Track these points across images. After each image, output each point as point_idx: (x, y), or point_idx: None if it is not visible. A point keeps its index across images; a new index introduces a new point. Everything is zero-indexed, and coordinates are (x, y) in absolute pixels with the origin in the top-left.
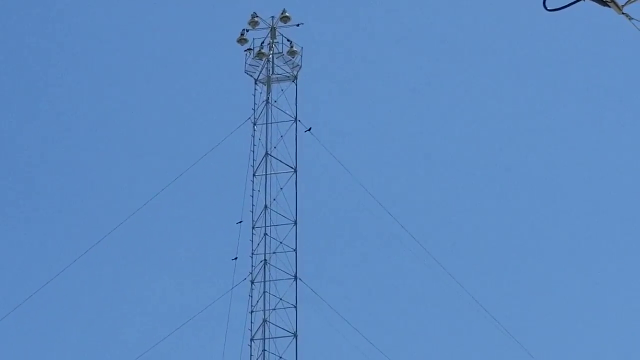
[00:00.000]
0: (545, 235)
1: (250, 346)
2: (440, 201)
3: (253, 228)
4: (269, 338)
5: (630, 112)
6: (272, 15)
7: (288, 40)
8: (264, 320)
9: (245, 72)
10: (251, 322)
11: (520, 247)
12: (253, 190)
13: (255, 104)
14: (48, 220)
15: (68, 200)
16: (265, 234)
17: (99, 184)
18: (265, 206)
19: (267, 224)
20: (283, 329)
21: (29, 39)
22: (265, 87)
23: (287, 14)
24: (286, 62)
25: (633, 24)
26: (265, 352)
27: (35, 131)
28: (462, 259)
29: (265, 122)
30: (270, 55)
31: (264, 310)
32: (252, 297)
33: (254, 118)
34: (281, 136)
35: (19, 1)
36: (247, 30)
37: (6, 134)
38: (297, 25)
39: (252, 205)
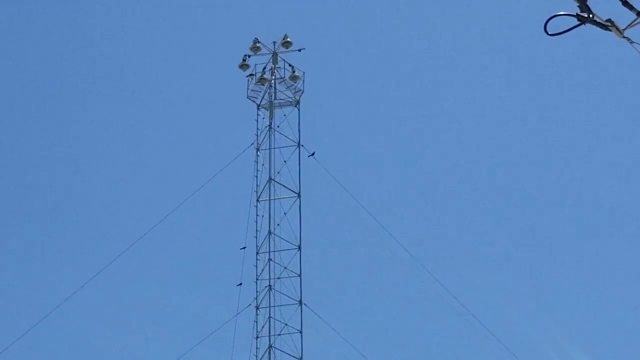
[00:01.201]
0: (549, 251)
1: None
2: (446, 225)
3: (257, 254)
4: None
5: (632, 134)
6: (274, 40)
7: (290, 65)
8: (270, 346)
9: (248, 97)
10: (257, 348)
11: (528, 271)
12: (257, 215)
13: (258, 129)
14: (55, 249)
15: (70, 225)
16: (270, 259)
17: (100, 211)
18: (269, 231)
19: (271, 249)
20: (289, 354)
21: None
22: (267, 113)
23: (288, 39)
24: (288, 87)
25: (634, 47)
26: None
27: (45, 157)
28: (469, 283)
29: (268, 147)
30: (273, 81)
31: (270, 336)
32: (257, 322)
33: (257, 143)
34: (284, 161)
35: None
36: (249, 56)
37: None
38: (299, 50)
39: (256, 230)
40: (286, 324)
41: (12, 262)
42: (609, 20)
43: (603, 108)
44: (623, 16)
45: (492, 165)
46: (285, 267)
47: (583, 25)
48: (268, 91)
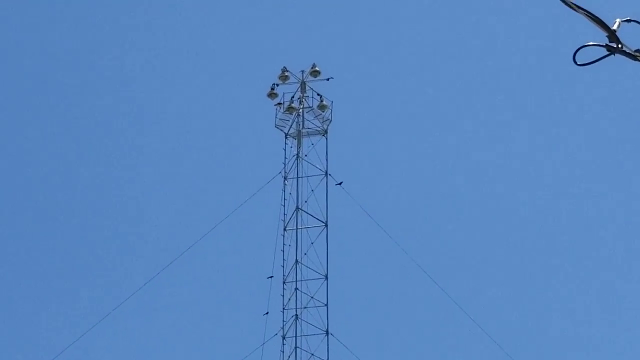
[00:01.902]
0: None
1: None
2: (474, 256)
3: (284, 283)
4: None
5: None
6: (302, 69)
7: (318, 94)
8: None
9: (276, 126)
10: None
11: (553, 300)
12: (284, 244)
13: (285, 158)
14: (85, 275)
15: (99, 252)
16: (296, 288)
17: (127, 239)
18: (296, 261)
19: (298, 278)
20: None
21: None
22: (295, 142)
23: (317, 68)
24: (316, 117)
25: None
26: None
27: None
28: (498, 316)
29: (295, 176)
30: (301, 110)
31: None
32: (283, 352)
33: (285, 172)
34: (312, 190)
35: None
36: (277, 85)
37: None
38: (327, 79)
39: (283, 260)
40: (313, 354)
41: (55, 281)
42: (638, 50)
43: (633, 138)
44: None
45: (525, 192)
46: (312, 297)
47: (612, 55)
48: (296, 120)
